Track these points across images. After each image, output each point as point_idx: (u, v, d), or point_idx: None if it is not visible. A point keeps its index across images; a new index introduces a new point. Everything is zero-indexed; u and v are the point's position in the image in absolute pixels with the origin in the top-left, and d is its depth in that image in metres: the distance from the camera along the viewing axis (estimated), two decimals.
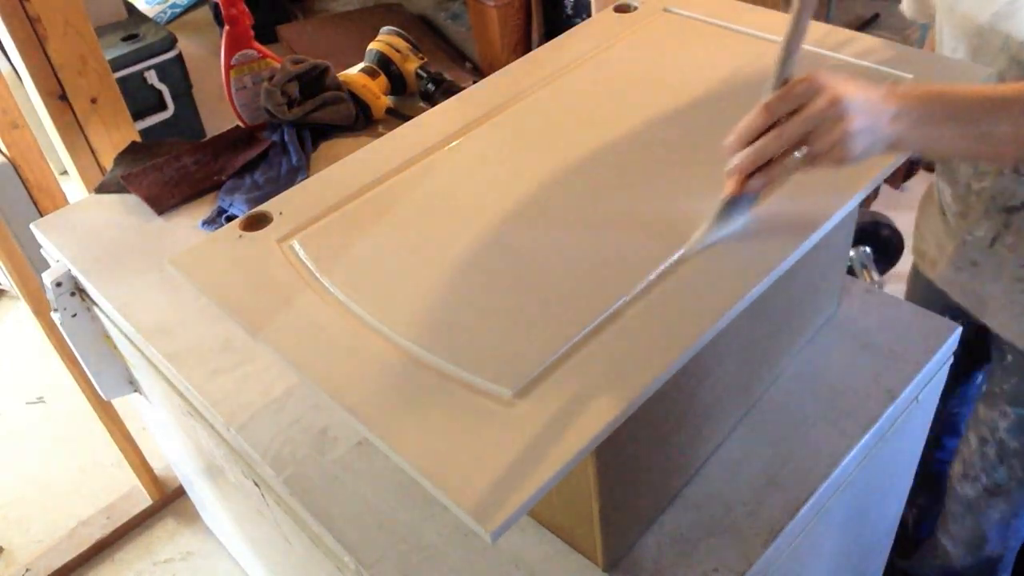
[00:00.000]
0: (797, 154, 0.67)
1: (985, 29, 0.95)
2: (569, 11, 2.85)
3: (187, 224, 1.22)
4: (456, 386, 0.64)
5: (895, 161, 0.79)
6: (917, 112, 0.68)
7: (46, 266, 1.25)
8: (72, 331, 1.25)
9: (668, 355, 0.63)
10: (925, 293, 1.24)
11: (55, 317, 1.24)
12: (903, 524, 1.51)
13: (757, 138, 0.66)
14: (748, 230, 0.73)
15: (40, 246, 1.28)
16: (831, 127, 0.64)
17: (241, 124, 1.37)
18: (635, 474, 0.74)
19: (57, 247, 1.21)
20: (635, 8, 1.08)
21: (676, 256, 0.71)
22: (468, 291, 0.72)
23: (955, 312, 1.13)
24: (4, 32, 1.35)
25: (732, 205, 0.71)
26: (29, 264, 1.54)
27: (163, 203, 1.25)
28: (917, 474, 1.42)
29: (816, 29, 0.99)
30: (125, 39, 2.71)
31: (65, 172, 1.61)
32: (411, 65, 1.42)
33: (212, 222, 1.21)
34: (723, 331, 0.66)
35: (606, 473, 0.69)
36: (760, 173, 0.68)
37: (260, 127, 1.36)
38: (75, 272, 1.19)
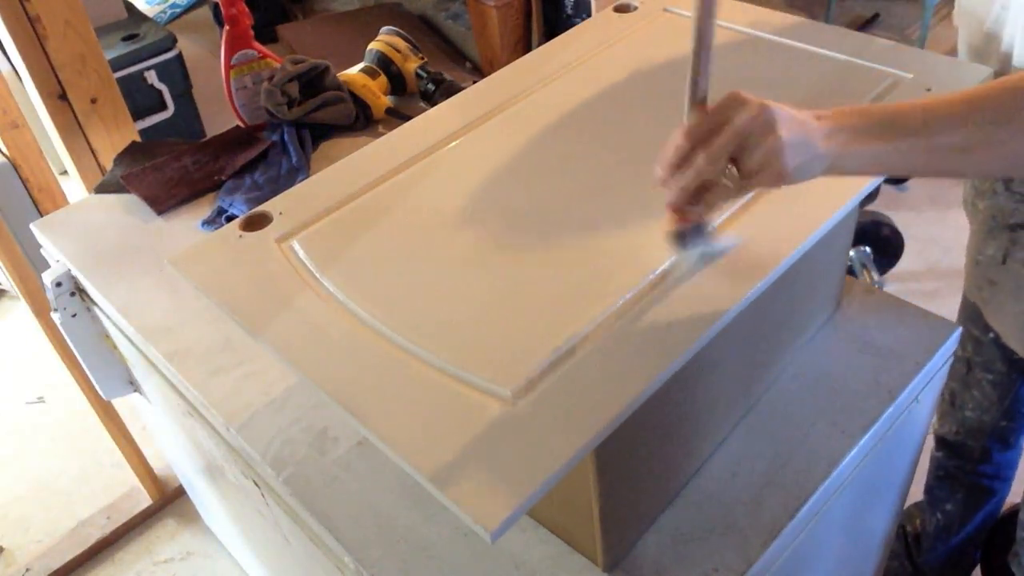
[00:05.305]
0: (728, 175, 0.61)
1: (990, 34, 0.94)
2: (569, 11, 2.85)
3: (187, 224, 1.22)
4: (456, 386, 0.64)
5: None
6: (852, 127, 0.61)
7: (46, 266, 1.25)
8: (72, 331, 1.25)
9: (668, 355, 0.63)
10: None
11: (55, 317, 1.24)
12: (922, 527, 1.49)
13: (683, 165, 0.61)
14: (734, 245, 0.70)
15: (40, 246, 1.28)
16: (760, 139, 0.58)
17: (241, 124, 1.37)
18: (635, 474, 0.74)
19: (57, 247, 1.21)
20: (635, 8, 1.08)
21: (674, 260, 0.71)
22: (467, 291, 0.72)
23: None
24: (4, 32, 1.35)
25: (683, 238, 0.68)
26: (29, 264, 1.54)
27: (163, 203, 1.25)
28: (945, 481, 1.39)
29: (816, 29, 1.00)
30: (125, 39, 2.71)
31: (65, 172, 1.61)
32: (411, 65, 1.42)
33: (212, 222, 1.21)
34: (723, 331, 0.66)
35: (606, 473, 0.69)
36: (697, 202, 0.62)
37: (260, 127, 1.36)
38: (75, 272, 1.19)
